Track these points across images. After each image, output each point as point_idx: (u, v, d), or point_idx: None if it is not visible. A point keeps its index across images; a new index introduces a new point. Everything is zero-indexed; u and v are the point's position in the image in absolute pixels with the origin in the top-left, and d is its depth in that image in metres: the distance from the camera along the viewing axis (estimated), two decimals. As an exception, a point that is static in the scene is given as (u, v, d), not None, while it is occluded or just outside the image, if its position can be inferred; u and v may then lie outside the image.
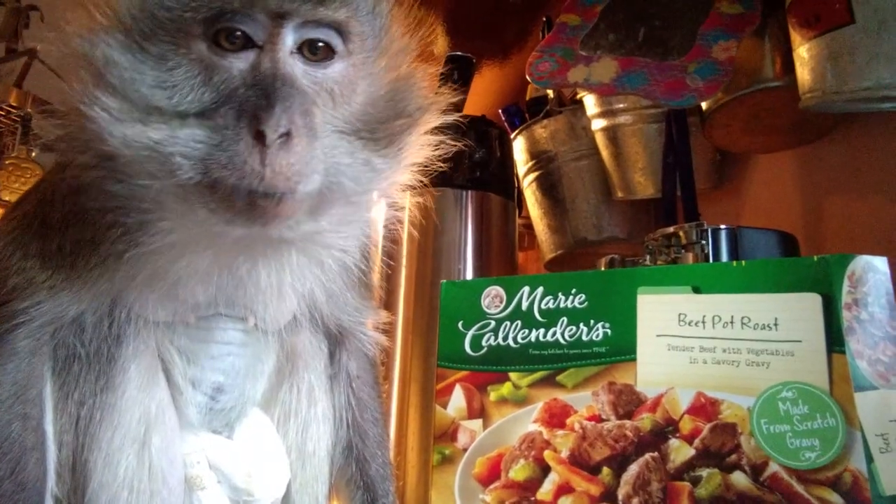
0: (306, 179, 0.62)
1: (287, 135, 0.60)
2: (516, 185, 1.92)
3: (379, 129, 0.69)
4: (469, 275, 1.64)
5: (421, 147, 0.74)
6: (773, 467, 0.73)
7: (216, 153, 0.60)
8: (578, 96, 1.73)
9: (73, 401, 0.69)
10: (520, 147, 1.89)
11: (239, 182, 0.59)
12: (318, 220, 0.68)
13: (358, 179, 0.67)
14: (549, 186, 1.82)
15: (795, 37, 1.07)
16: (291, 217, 0.64)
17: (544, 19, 1.80)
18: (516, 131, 1.90)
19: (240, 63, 0.64)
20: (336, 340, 0.88)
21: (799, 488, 0.71)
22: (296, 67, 0.65)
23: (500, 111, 1.99)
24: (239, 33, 0.63)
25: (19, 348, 0.68)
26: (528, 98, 1.95)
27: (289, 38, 0.65)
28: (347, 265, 0.81)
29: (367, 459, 0.86)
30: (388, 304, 1.53)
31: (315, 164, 0.63)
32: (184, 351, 0.76)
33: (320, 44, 0.66)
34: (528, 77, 1.40)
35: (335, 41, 0.67)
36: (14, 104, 2.33)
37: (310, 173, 0.62)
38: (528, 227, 2.00)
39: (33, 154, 2.49)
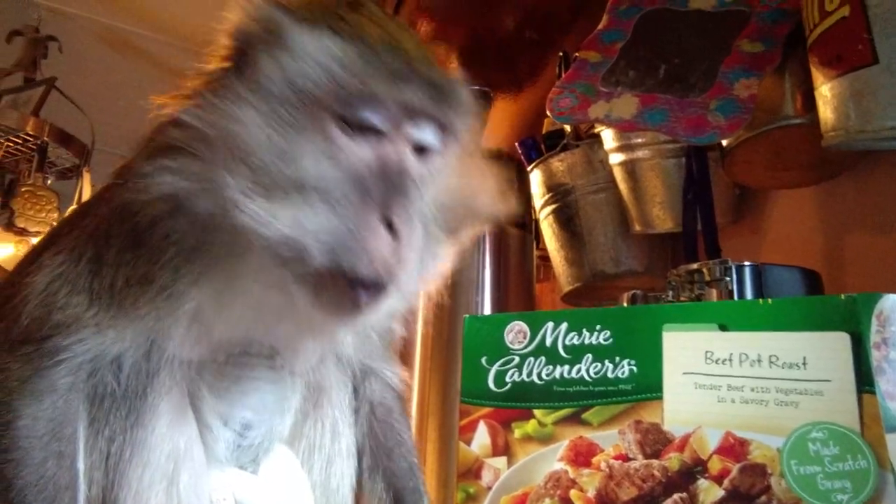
0: (411, 272, 0.66)
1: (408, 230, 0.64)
2: (533, 217, 1.93)
3: (448, 219, 0.74)
4: (487, 308, 1.64)
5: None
6: (804, 510, 0.72)
7: (345, 240, 0.62)
8: (596, 130, 1.73)
9: (103, 437, 0.69)
10: (537, 180, 1.89)
11: (366, 270, 0.62)
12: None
13: (427, 269, 0.73)
14: (567, 219, 1.82)
15: (817, 75, 1.07)
16: (379, 307, 0.67)
17: (561, 54, 1.81)
18: (533, 164, 1.90)
19: (364, 147, 0.66)
20: (360, 377, 0.89)
21: (832, 531, 0.70)
22: (410, 159, 0.69)
23: (516, 144, 1.99)
24: (369, 119, 0.66)
25: (59, 385, 0.68)
26: (544, 131, 1.96)
27: (412, 132, 0.68)
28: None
29: (397, 481, 0.86)
30: (406, 338, 1.53)
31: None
32: (213, 387, 0.76)
33: (430, 139, 0.70)
34: (549, 113, 1.40)
35: (441, 138, 0.71)
36: (31, 132, 2.37)
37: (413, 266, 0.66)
38: (545, 259, 1.99)
39: (49, 182, 2.54)
